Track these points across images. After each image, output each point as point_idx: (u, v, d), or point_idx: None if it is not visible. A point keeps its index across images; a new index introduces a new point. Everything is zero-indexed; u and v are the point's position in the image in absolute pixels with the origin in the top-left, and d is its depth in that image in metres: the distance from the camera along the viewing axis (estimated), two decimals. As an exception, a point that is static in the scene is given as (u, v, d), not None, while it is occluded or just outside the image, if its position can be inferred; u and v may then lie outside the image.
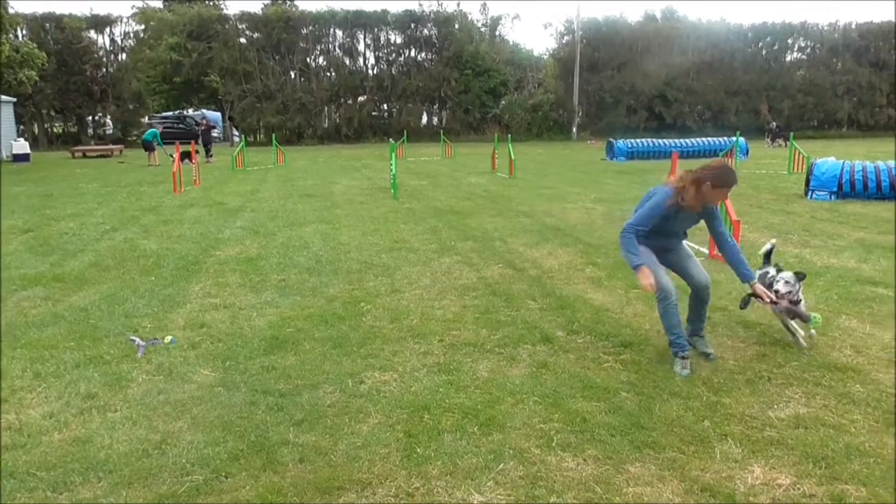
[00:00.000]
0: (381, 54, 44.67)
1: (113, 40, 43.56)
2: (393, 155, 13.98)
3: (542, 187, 14.94)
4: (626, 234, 4.18)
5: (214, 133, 31.68)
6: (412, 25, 43.19)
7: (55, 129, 44.29)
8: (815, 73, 42.07)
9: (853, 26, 42.05)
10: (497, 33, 47.09)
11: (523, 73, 47.28)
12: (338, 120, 43.95)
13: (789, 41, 43.48)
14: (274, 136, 30.65)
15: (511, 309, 5.50)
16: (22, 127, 36.43)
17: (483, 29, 46.00)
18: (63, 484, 2.99)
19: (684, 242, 4.55)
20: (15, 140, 28.02)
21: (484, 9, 53.86)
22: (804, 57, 43.67)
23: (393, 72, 43.92)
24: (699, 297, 4.44)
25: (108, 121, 38.82)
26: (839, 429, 3.32)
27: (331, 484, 2.94)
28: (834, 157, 12.93)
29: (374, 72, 44.38)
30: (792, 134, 20.47)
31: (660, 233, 4.27)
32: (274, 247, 8.32)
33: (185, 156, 23.67)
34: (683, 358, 4.12)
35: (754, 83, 41.73)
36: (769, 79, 41.95)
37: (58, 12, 39.98)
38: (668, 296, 4.20)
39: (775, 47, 43.41)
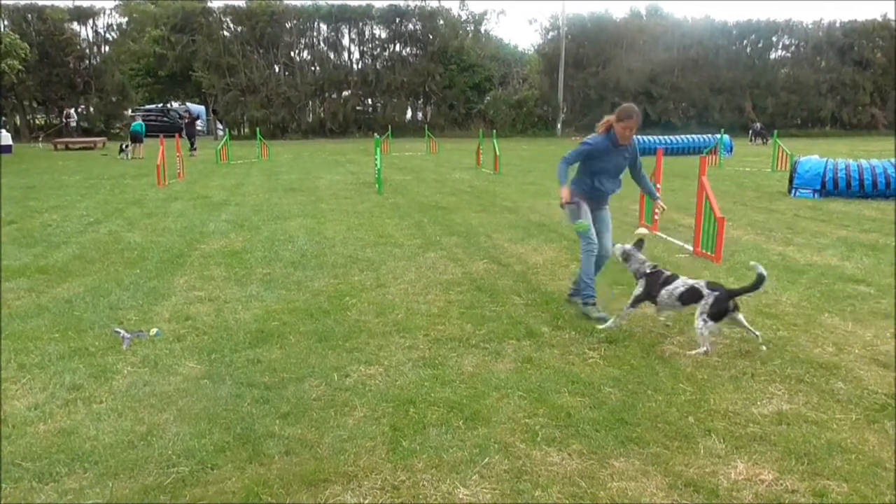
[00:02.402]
0: (365, 49, 44.50)
1: (96, 32, 43.02)
2: (378, 150, 13.95)
3: (527, 183, 14.98)
4: (561, 164, 5.29)
5: (198, 126, 31.42)
6: (397, 20, 43.05)
7: (37, 121, 43.67)
8: (799, 71, 42.42)
9: (837, 25, 42.43)
10: (482, 29, 47.04)
11: (508, 69, 47.32)
12: (322, 114, 43.74)
13: (774, 39, 43.81)
14: (258, 129, 30.44)
15: (496, 304, 5.52)
16: (4, 118, 35.88)
17: (468, 25, 45.91)
18: (48, 475, 2.98)
19: (607, 215, 5.50)
20: (-4, 131, 27.63)
21: (463, 6, 53.82)
22: (788, 55, 44.03)
23: (377, 66, 43.77)
24: (597, 263, 5.32)
25: (73, 112, 38.23)
26: (821, 425, 3.37)
27: (316, 476, 2.95)
28: (817, 156, 13.09)
29: (359, 66, 44.22)
30: (776, 132, 20.67)
31: (604, 173, 5.30)
32: (259, 240, 8.29)
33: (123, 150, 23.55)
34: (594, 305, 5.17)
35: (738, 81, 42.02)
36: (753, 76, 42.26)
37: (40, 3, 39.36)
38: (591, 243, 5.27)
39: (760, 45, 43.71)
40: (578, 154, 5.31)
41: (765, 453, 3.11)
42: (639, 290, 4.78)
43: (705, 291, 4.37)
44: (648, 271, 4.77)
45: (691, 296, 4.44)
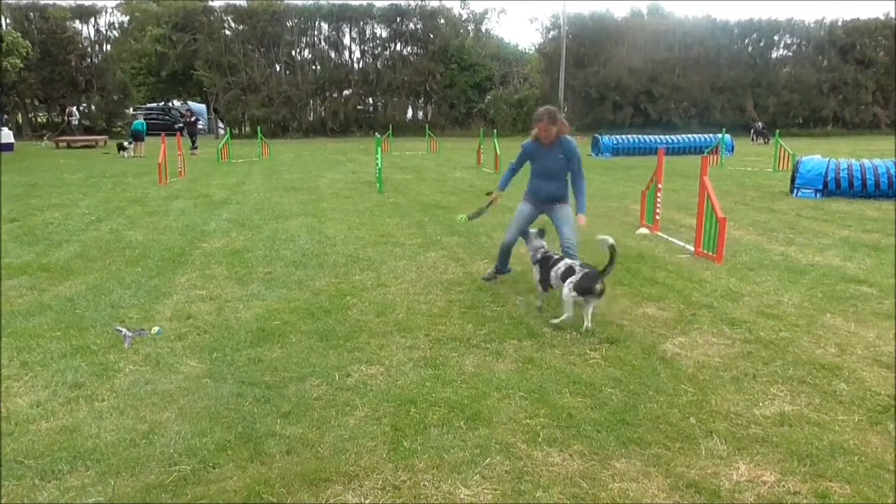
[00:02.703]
0: (366, 48, 44.50)
1: (98, 31, 43.04)
2: (378, 149, 13.94)
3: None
4: (507, 171, 6.11)
5: (199, 125, 31.43)
6: (398, 19, 43.05)
7: (39, 119, 43.70)
8: (801, 70, 42.38)
9: (839, 24, 42.36)
10: (483, 28, 47.04)
11: (509, 68, 47.32)
12: (323, 113, 43.75)
13: (775, 38, 43.77)
14: (259, 128, 30.44)
15: (497, 304, 5.52)
16: (6, 116, 35.90)
17: (468, 24, 45.90)
18: (51, 472, 2.99)
19: (569, 209, 5.81)
20: (-1, 129, 27.66)
21: (464, 5, 53.78)
22: (790, 54, 43.98)
23: (378, 66, 43.77)
24: (565, 253, 5.54)
25: (75, 110, 38.25)
26: (824, 427, 3.36)
27: (318, 476, 2.95)
28: (819, 155, 13.07)
29: (360, 65, 44.22)
30: (777, 131, 20.65)
31: (542, 174, 5.82)
32: (260, 239, 8.29)
33: (124, 147, 23.57)
34: (487, 279, 6.14)
35: (740, 80, 42.00)
36: (755, 75, 42.24)
37: (42, 1, 39.37)
38: (506, 238, 6.04)
39: (761, 44, 43.68)
40: (518, 158, 6.00)
41: (767, 455, 3.10)
42: (536, 275, 5.32)
43: (578, 268, 4.88)
44: (539, 257, 5.30)
45: (568, 273, 4.91)
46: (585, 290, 4.73)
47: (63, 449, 3.18)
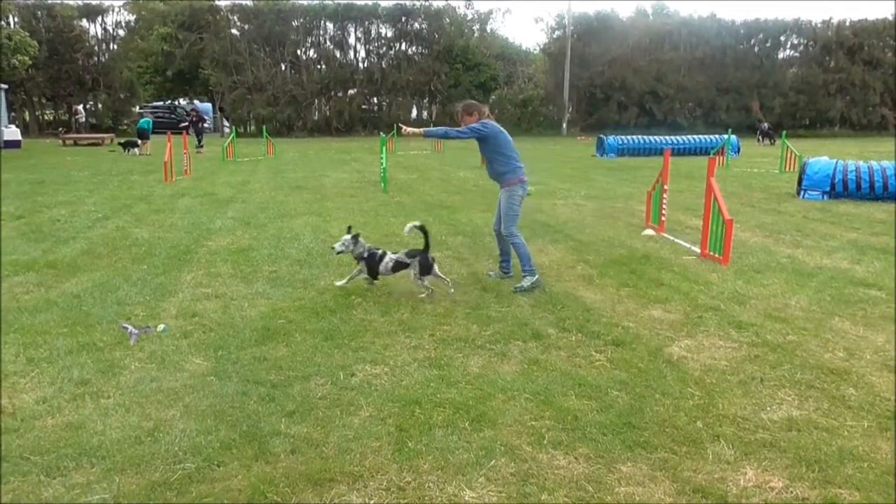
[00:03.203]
0: (371, 48, 44.51)
1: (105, 29, 43.22)
2: (383, 148, 13.94)
3: (532, 183, 14.81)
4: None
5: (205, 124, 31.48)
6: (403, 19, 43.05)
7: (46, 117, 43.85)
8: (808, 70, 42.25)
9: (847, 24, 42.20)
10: (487, 28, 47.00)
11: (513, 68, 47.28)
12: (328, 113, 43.77)
13: (782, 38, 43.64)
14: (264, 127, 30.47)
15: (501, 305, 5.51)
16: (13, 114, 36.02)
17: (473, 24, 45.86)
18: (56, 469, 2.99)
19: (502, 198, 6.27)
20: (6, 126, 27.75)
21: (469, 5, 53.68)
22: (797, 54, 43.85)
23: (383, 65, 43.79)
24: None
25: (81, 108, 38.38)
26: (832, 432, 3.33)
27: (322, 476, 2.95)
28: (827, 157, 13.01)
29: (365, 65, 44.25)
30: (784, 132, 20.56)
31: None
32: (265, 238, 8.30)
33: (132, 144, 23.59)
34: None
35: (746, 80, 41.89)
36: (761, 76, 42.12)
37: (49, 0, 39.50)
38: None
39: (768, 44, 43.57)
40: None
41: (774, 460, 3.08)
42: (362, 272, 5.91)
43: (408, 260, 5.70)
44: (366, 255, 5.85)
45: (398, 266, 5.75)
46: (427, 269, 5.68)
47: (68, 445, 3.18)
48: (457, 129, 6.12)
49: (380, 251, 5.92)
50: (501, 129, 6.16)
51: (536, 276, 6.04)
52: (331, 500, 2.79)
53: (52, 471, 2.98)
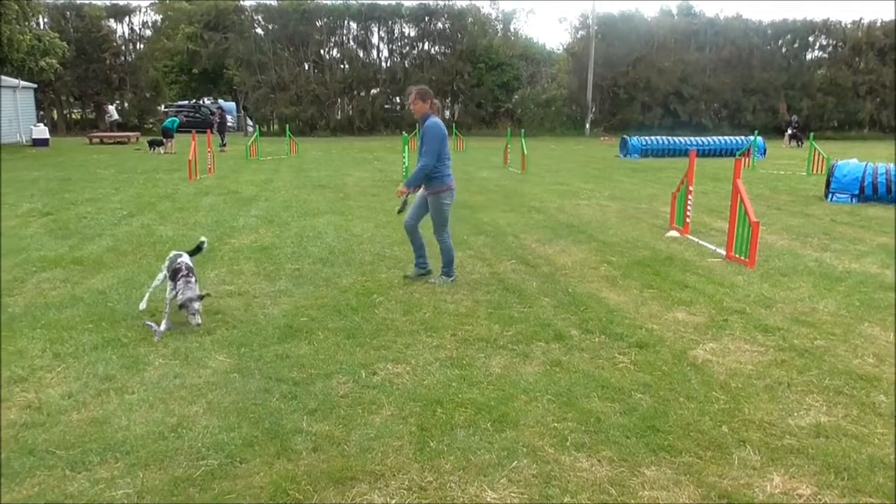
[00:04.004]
0: (394, 47, 44.56)
1: (132, 29, 43.80)
2: (405, 147, 13.95)
3: (555, 183, 14.88)
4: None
5: (229, 122, 31.78)
6: (426, 18, 43.05)
7: (73, 116, 44.58)
8: (837, 72, 41.47)
9: (878, 24, 41.37)
10: (511, 27, 46.81)
11: (536, 68, 47.00)
12: (350, 112, 43.91)
13: (810, 39, 42.92)
14: (287, 126, 30.65)
15: (524, 305, 5.48)
16: (42, 112, 36.65)
17: (497, 23, 45.72)
18: (81, 463, 3.02)
19: (430, 203, 6.02)
20: (35, 125, 28.28)
21: (494, 4, 53.54)
22: (825, 55, 43.07)
23: (406, 65, 43.81)
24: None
25: (111, 108, 38.95)
26: (862, 440, 3.26)
27: (344, 474, 2.94)
28: (856, 159, 12.76)
29: (388, 65, 44.30)
30: (812, 134, 20.22)
31: (447, 146, 5.97)
32: (288, 236, 8.34)
33: (157, 143, 23.88)
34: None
35: (772, 81, 41.27)
36: (788, 77, 41.48)
37: (78, 1, 40.16)
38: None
39: (795, 45, 42.87)
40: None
41: (802, 467, 3.02)
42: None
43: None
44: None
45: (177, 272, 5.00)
46: (173, 275, 4.98)
47: (93, 440, 3.22)
48: (421, 161, 5.81)
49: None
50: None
51: (452, 279, 6.10)
52: (352, 499, 2.79)
53: (77, 465, 3.01)
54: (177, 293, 4.83)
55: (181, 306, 4.78)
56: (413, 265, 6.42)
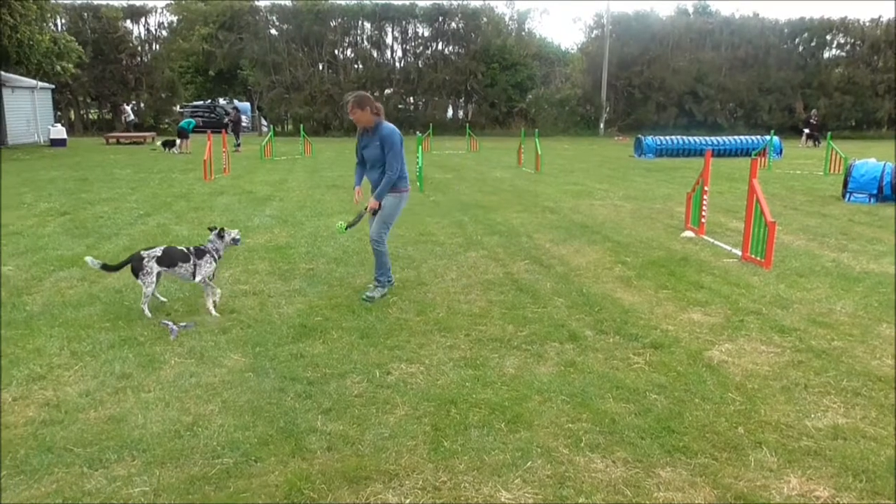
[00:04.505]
0: (408, 47, 44.60)
1: (148, 30, 44.18)
2: (419, 148, 13.96)
3: (569, 183, 14.83)
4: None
5: (243, 122, 31.97)
6: (440, 18, 43.05)
7: (90, 116, 45.04)
8: (855, 70, 40.97)
9: (898, 22, 40.80)
10: (525, 27, 46.71)
11: (550, 68, 46.88)
12: (365, 112, 43.99)
13: (828, 37, 42.45)
14: (301, 126, 30.79)
15: (538, 306, 5.46)
16: (59, 113, 37.06)
17: (511, 23, 45.65)
18: (98, 461, 3.06)
19: (387, 202, 5.63)
20: (52, 125, 28.63)
21: (508, 5, 53.46)
22: (843, 54, 42.56)
23: (420, 65, 43.84)
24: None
25: (128, 109, 39.30)
26: (881, 442, 3.22)
27: (358, 473, 2.95)
28: (874, 159, 12.61)
29: (401, 65, 44.36)
30: (829, 133, 20.00)
31: (364, 163, 5.74)
32: (302, 236, 8.38)
33: (171, 144, 24.06)
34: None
35: (789, 80, 40.86)
36: (805, 76, 41.06)
37: (95, 2, 40.57)
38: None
39: (812, 43, 42.41)
40: (357, 151, 5.82)
41: (820, 469, 2.99)
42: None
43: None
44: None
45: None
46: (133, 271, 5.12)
47: (110, 438, 3.25)
48: (390, 171, 5.49)
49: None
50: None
51: (386, 291, 5.74)
52: (366, 498, 2.80)
53: (94, 463, 3.04)
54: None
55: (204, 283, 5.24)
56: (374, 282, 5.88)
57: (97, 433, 3.30)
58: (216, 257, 5.37)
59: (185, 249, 5.28)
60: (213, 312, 5.15)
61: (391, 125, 5.58)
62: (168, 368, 4.12)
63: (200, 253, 5.27)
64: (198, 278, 5.21)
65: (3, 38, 20.95)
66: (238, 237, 5.64)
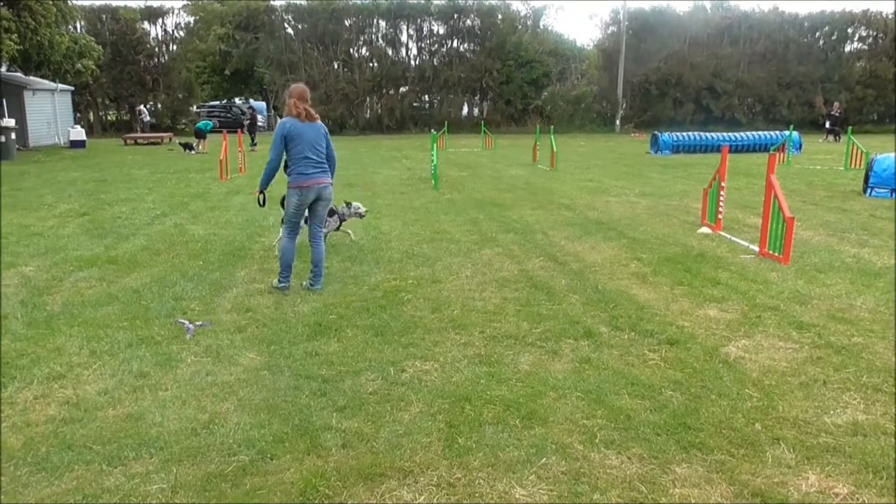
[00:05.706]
0: (423, 45, 44.62)
1: (165, 31, 44.60)
2: (434, 146, 13.96)
3: (585, 180, 14.76)
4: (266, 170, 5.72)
5: (259, 122, 32.17)
6: (455, 16, 43.02)
7: (109, 117, 45.56)
8: (877, 64, 40.31)
9: (922, 14, 40.10)
10: (541, 24, 46.52)
11: (566, 64, 46.62)
12: (379, 110, 44.10)
13: (849, 31, 41.83)
14: (318, 125, 30.87)
15: (553, 302, 5.45)
16: (78, 114, 37.54)
17: (526, 20, 45.49)
18: (117, 458, 3.10)
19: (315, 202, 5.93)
20: (72, 127, 29.00)
21: (525, 3, 53.36)
22: (865, 47, 41.91)
23: (435, 62, 43.83)
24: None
25: (144, 109, 39.72)
26: (901, 438, 3.18)
27: (373, 470, 2.96)
28: None
29: (416, 62, 44.37)
30: (850, 128, 19.72)
31: (303, 146, 5.68)
32: (318, 235, 8.40)
33: (189, 146, 24.28)
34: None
35: (809, 75, 40.30)
36: (825, 70, 40.47)
37: (113, 4, 41.08)
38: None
39: (833, 37, 41.80)
40: (275, 146, 5.79)
41: (839, 465, 2.95)
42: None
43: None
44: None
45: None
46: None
47: (129, 436, 3.29)
48: (268, 163, 5.69)
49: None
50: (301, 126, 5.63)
51: (283, 286, 5.78)
52: (381, 495, 2.81)
53: (113, 460, 3.08)
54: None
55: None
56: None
57: (116, 431, 3.34)
58: (341, 220, 7.41)
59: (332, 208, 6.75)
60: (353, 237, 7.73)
61: (282, 119, 5.77)
62: (185, 367, 4.16)
63: (331, 213, 6.91)
64: (325, 230, 6.43)
65: (25, 41, 21.23)
66: (362, 211, 7.63)
